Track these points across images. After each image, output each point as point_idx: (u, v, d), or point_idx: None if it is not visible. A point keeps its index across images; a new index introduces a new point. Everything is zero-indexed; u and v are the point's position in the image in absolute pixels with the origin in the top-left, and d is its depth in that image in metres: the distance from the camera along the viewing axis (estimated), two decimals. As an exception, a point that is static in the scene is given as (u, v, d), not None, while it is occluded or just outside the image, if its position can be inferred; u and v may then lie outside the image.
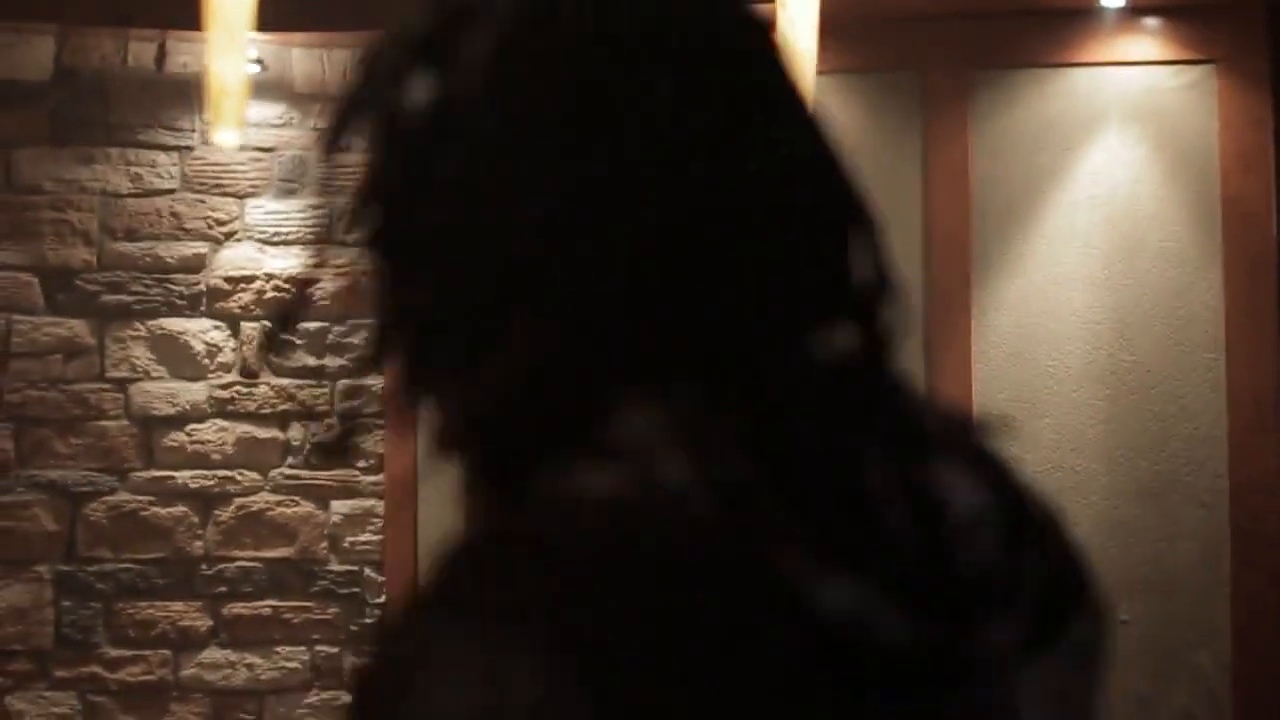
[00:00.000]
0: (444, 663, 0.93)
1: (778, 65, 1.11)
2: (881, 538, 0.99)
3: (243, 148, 5.28)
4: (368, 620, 5.31)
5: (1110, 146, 5.27)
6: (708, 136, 1.06)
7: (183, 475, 5.27)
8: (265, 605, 5.30)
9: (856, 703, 0.95)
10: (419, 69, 1.09)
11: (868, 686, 0.95)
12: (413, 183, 1.08)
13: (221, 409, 5.29)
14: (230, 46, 2.57)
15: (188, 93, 5.26)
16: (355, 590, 5.32)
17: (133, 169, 5.28)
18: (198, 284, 5.30)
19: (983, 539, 1.05)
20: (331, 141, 1.13)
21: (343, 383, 5.22)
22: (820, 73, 4.95)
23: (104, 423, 5.25)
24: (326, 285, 5.32)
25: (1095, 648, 1.11)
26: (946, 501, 1.03)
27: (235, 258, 5.31)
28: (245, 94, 2.49)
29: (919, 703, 0.97)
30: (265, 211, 5.32)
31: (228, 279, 5.30)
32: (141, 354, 5.26)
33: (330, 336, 5.30)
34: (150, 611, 5.26)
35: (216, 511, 5.29)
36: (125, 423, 5.26)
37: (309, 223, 5.34)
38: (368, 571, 5.32)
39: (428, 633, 0.95)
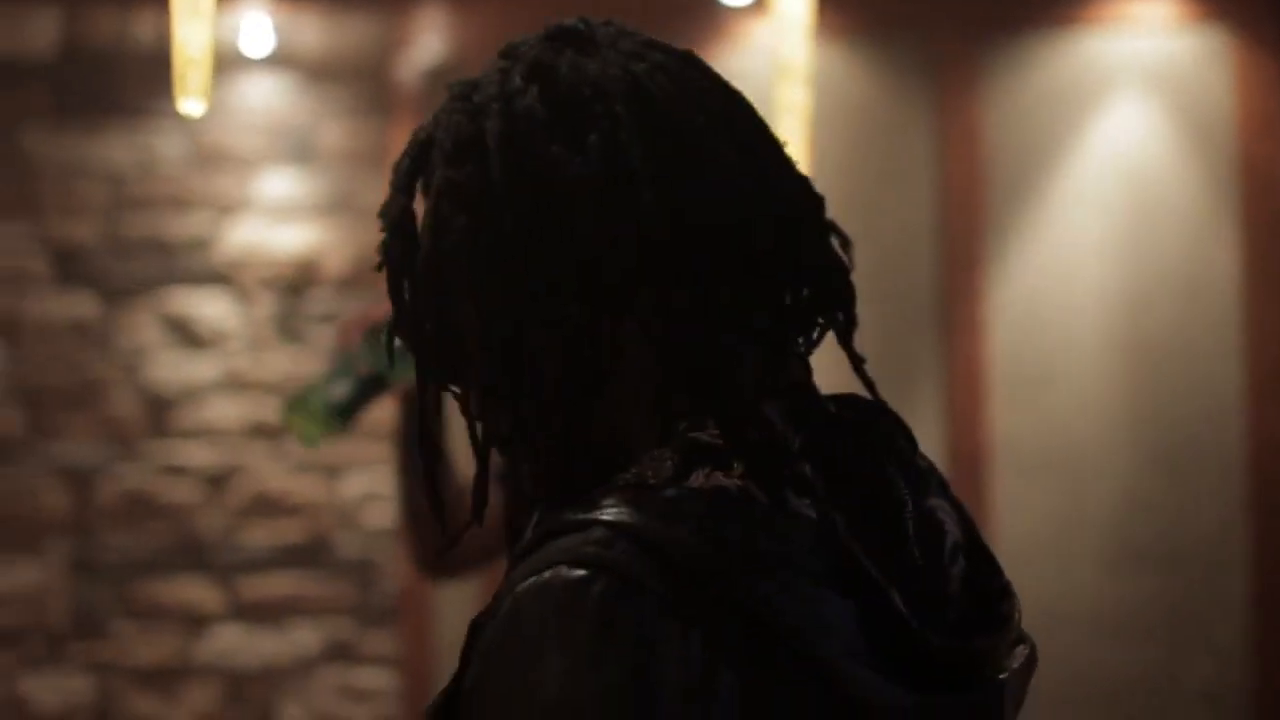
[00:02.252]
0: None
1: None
2: (910, 559, 1.30)
3: (252, 122, 5.29)
4: (380, 597, 5.31)
5: (1124, 111, 5.26)
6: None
7: (193, 453, 5.28)
8: (279, 584, 5.31)
9: (912, 687, 1.25)
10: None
11: (921, 674, 1.25)
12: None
13: (231, 385, 5.30)
14: (194, 13, 2.58)
15: (194, 67, 5.26)
16: (368, 568, 5.32)
17: (139, 144, 5.29)
18: (206, 259, 5.30)
19: (961, 563, 1.34)
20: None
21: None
22: (829, 38, 4.94)
23: (113, 400, 5.26)
24: (335, 259, 5.32)
25: (1033, 663, 1.36)
26: (945, 530, 1.33)
27: (244, 233, 5.31)
28: (210, 63, 2.49)
29: (951, 694, 1.27)
30: (274, 185, 5.32)
31: (236, 254, 5.30)
32: (150, 330, 5.27)
33: (339, 311, 5.32)
34: (163, 591, 5.27)
35: (227, 489, 5.29)
36: (134, 400, 5.26)
37: (318, 196, 5.34)
38: (381, 548, 5.33)
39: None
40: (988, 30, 5.28)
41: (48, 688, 5.26)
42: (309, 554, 5.35)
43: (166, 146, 5.33)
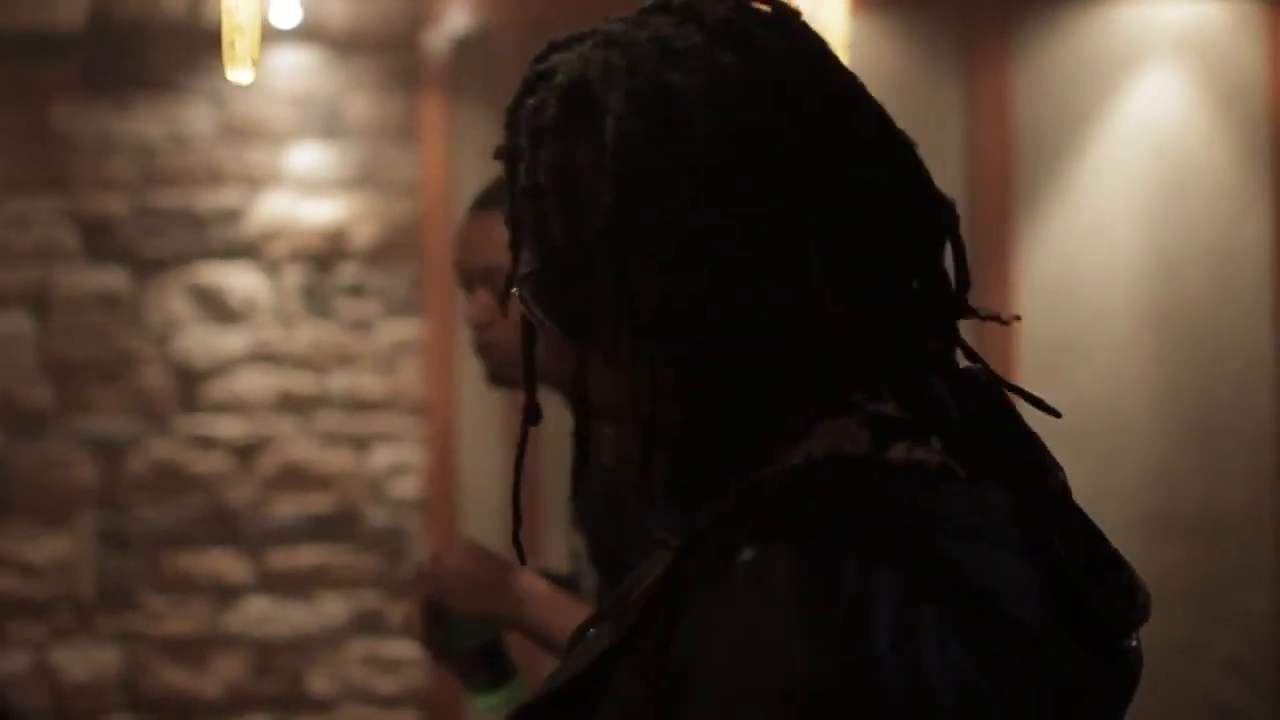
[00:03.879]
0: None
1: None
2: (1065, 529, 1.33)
3: (280, 95, 5.34)
4: (408, 568, 5.37)
5: (1157, 81, 5.28)
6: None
7: (222, 425, 5.34)
8: (307, 555, 5.37)
9: (1085, 650, 1.29)
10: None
11: (1093, 639, 1.29)
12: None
13: (260, 358, 5.35)
14: None
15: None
16: (397, 539, 5.38)
17: (169, 118, 5.34)
18: (235, 232, 5.36)
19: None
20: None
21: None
22: (860, 10, 4.96)
23: (143, 373, 5.32)
24: (364, 231, 5.37)
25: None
26: (1071, 500, 1.37)
27: (273, 206, 5.36)
28: (258, 32, 2.54)
29: (1114, 664, 1.32)
30: (303, 159, 5.37)
31: (265, 227, 5.36)
32: (180, 303, 5.33)
33: (367, 283, 5.37)
34: (192, 563, 5.33)
35: (256, 461, 5.35)
36: (164, 373, 5.32)
37: (346, 169, 5.38)
38: (409, 519, 5.39)
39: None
40: (1018, 1, 5.30)
41: (77, 658, 5.34)
42: (337, 525, 5.41)
43: (195, 120, 5.39)
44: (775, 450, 1.31)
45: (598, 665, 1.31)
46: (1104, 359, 5.25)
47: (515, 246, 1.37)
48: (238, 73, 2.61)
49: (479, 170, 5.44)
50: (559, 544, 3.33)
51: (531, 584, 2.77)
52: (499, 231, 2.96)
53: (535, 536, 5.27)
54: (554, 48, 1.37)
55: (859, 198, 1.31)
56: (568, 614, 2.74)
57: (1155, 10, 5.30)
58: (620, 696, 1.28)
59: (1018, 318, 1.48)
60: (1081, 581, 1.29)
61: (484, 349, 3.04)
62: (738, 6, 1.34)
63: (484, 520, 5.32)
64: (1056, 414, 1.38)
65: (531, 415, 1.42)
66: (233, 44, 2.60)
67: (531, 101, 1.34)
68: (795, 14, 1.37)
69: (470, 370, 5.39)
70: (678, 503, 1.36)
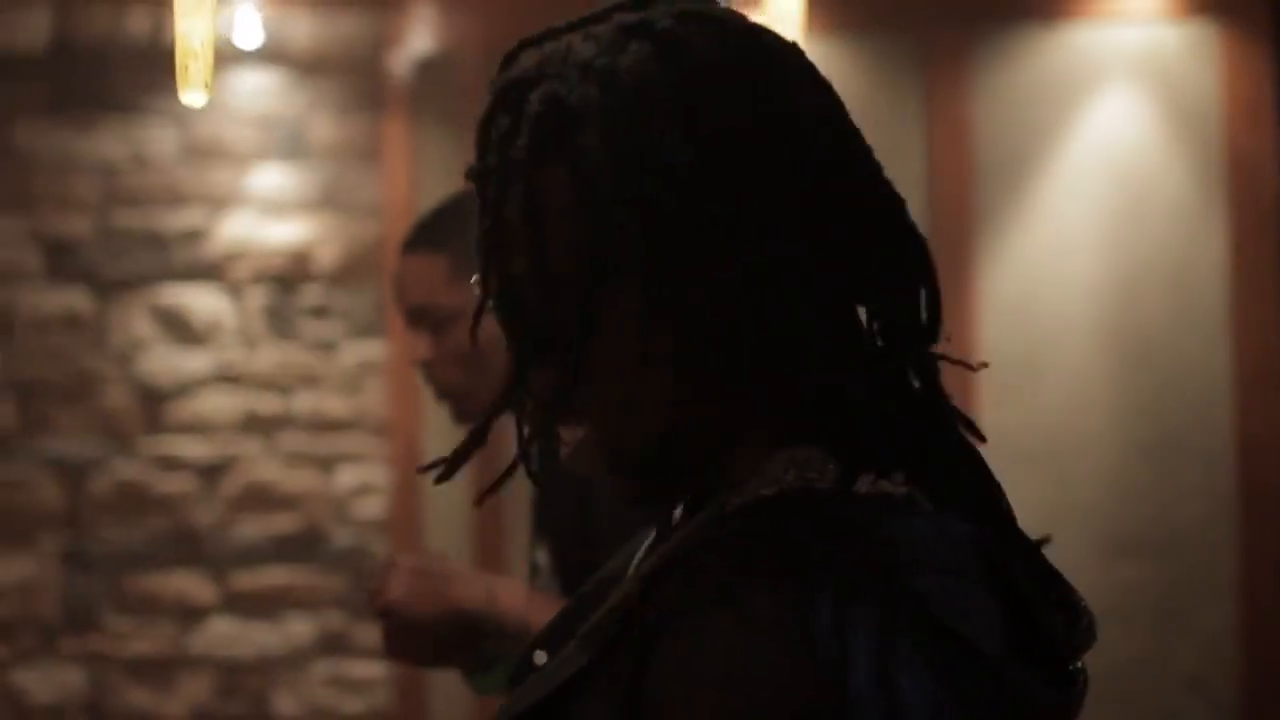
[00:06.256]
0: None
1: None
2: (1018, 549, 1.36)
3: (243, 116, 5.38)
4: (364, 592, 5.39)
5: (1113, 103, 5.35)
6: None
7: (186, 446, 5.36)
8: (272, 576, 5.39)
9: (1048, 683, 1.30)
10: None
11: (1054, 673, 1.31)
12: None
13: (224, 379, 5.38)
14: (196, 7, 2.68)
15: (185, 62, 5.35)
16: (362, 560, 5.41)
17: (132, 138, 5.38)
18: (198, 253, 5.38)
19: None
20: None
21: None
22: (819, 33, 5.03)
23: (106, 394, 5.34)
24: (327, 252, 5.41)
25: None
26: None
27: (236, 227, 5.40)
28: (211, 55, 2.59)
29: (1068, 688, 1.32)
30: (266, 180, 5.41)
31: (228, 248, 5.39)
32: (143, 324, 5.35)
33: (331, 304, 5.41)
34: (156, 584, 5.35)
35: (221, 482, 5.37)
36: (128, 394, 5.34)
37: (310, 190, 5.42)
38: (374, 540, 5.42)
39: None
40: (976, 23, 5.37)
41: (41, 681, 5.35)
42: (302, 546, 5.44)
43: (159, 141, 5.42)
44: (737, 470, 1.32)
45: (566, 689, 1.30)
46: (1062, 379, 5.31)
47: (485, 270, 1.36)
48: (191, 96, 2.66)
49: (442, 191, 5.46)
50: (524, 559, 3.36)
51: (497, 580, 2.80)
52: (426, 271, 3.02)
53: (498, 552, 5.31)
54: (523, 45, 1.36)
55: (837, 231, 1.35)
56: (544, 608, 2.77)
57: (1112, 32, 5.37)
58: None
59: (985, 365, 1.53)
60: (1035, 609, 1.30)
61: (435, 389, 3.06)
62: (723, 37, 1.35)
63: (448, 539, 5.34)
64: (983, 439, 1.39)
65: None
66: (186, 68, 2.64)
67: (504, 122, 1.33)
68: (792, 48, 1.43)
69: (433, 390, 5.43)
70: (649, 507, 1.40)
